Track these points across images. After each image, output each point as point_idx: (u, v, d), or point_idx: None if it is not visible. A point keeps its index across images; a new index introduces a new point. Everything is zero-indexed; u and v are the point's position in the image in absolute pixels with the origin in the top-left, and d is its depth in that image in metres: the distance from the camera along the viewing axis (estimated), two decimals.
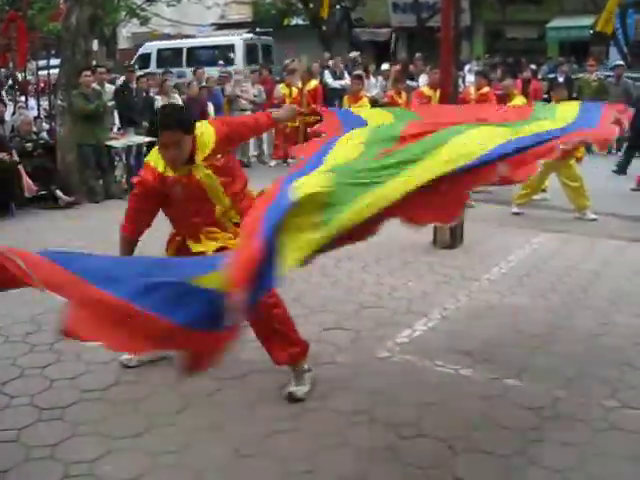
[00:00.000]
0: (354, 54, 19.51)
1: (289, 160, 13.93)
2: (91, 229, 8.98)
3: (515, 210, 9.72)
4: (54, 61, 13.55)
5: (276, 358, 4.48)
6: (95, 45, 12.69)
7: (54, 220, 9.54)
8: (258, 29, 34.74)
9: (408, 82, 13.99)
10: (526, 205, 9.78)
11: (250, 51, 20.90)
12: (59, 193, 10.26)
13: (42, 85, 15.04)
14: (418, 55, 18.68)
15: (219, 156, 4.35)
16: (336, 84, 15.88)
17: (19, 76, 14.86)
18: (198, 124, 4.35)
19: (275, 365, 4.53)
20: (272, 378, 4.58)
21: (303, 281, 6.69)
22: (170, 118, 4.26)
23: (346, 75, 16.21)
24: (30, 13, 19.57)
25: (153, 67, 21.37)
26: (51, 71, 13.30)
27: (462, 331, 5.53)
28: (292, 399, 4.39)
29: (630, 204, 10.24)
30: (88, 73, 10.75)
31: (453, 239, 7.90)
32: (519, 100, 10.86)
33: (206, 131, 4.36)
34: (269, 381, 4.59)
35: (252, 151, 14.42)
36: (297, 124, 14.60)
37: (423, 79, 14.82)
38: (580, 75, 16.91)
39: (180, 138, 4.15)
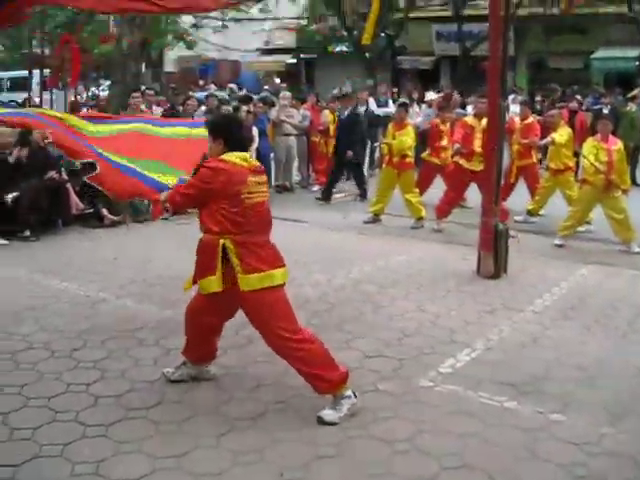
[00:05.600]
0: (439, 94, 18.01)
1: None
2: (135, 247, 9.09)
3: (558, 242, 9.63)
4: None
5: (315, 388, 4.56)
6: (142, 68, 12.95)
7: (99, 238, 9.67)
8: (302, 55, 35.10)
9: (459, 110, 13.92)
10: (570, 237, 9.69)
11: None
12: (105, 212, 10.39)
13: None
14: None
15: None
16: (380, 112, 15.91)
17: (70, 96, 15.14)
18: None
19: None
20: (315, 404, 4.57)
21: (345, 307, 6.70)
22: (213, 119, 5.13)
23: (390, 103, 16.23)
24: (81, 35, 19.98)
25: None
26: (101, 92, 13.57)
27: (506, 362, 5.48)
28: (320, 422, 4.42)
29: None
30: (137, 95, 10.93)
31: (497, 269, 7.84)
32: (564, 131, 10.82)
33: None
34: (312, 406, 4.57)
35: (295, 176, 14.50)
36: None
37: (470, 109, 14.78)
38: (628, 108, 16.69)
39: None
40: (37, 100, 15.34)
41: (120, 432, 4.30)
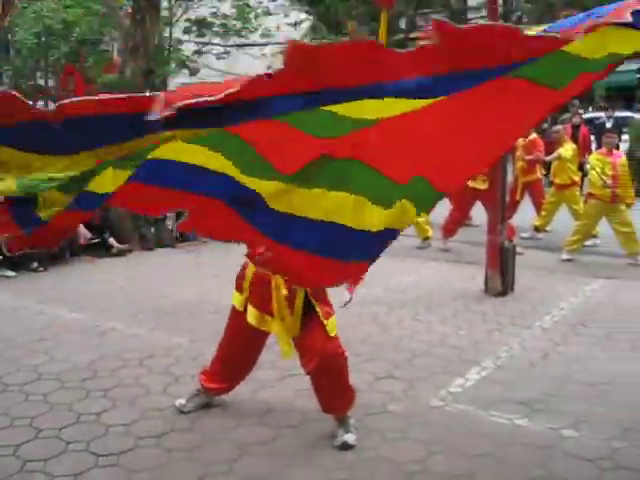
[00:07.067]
0: None
1: None
2: (143, 276, 9.12)
3: (565, 256, 9.63)
4: None
5: (327, 409, 4.53)
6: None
7: (107, 267, 9.70)
8: None
9: None
10: (577, 251, 9.69)
11: None
12: (112, 241, 10.44)
13: None
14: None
15: None
16: None
17: None
18: None
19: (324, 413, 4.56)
20: (326, 427, 4.56)
21: (353, 329, 6.68)
22: None
23: None
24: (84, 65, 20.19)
25: None
26: None
27: (516, 380, 5.46)
28: (346, 447, 4.38)
29: None
30: None
31: (504, 287, 7.84)
32: (569, 146, 10.86)
33: None
34: (323, 430, 4.56)
35: None
36: None
37: None
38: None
39: None
40: None
41: (132, 461, 4.28)
